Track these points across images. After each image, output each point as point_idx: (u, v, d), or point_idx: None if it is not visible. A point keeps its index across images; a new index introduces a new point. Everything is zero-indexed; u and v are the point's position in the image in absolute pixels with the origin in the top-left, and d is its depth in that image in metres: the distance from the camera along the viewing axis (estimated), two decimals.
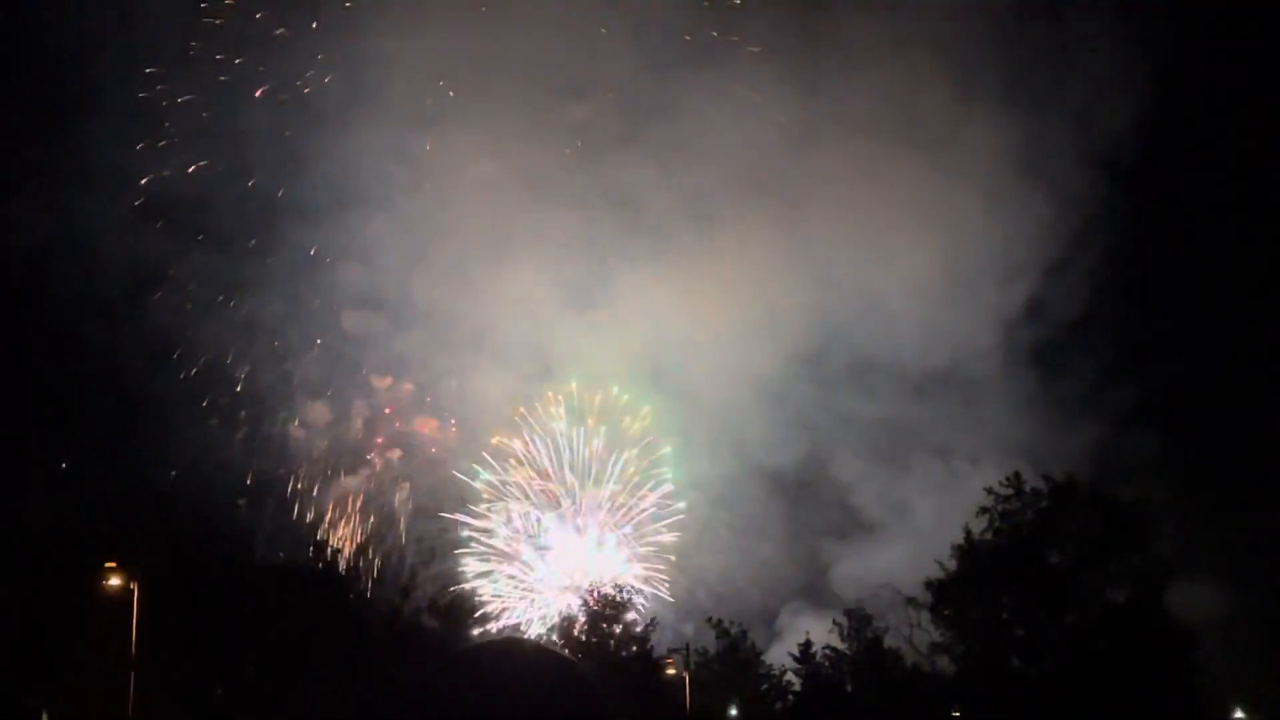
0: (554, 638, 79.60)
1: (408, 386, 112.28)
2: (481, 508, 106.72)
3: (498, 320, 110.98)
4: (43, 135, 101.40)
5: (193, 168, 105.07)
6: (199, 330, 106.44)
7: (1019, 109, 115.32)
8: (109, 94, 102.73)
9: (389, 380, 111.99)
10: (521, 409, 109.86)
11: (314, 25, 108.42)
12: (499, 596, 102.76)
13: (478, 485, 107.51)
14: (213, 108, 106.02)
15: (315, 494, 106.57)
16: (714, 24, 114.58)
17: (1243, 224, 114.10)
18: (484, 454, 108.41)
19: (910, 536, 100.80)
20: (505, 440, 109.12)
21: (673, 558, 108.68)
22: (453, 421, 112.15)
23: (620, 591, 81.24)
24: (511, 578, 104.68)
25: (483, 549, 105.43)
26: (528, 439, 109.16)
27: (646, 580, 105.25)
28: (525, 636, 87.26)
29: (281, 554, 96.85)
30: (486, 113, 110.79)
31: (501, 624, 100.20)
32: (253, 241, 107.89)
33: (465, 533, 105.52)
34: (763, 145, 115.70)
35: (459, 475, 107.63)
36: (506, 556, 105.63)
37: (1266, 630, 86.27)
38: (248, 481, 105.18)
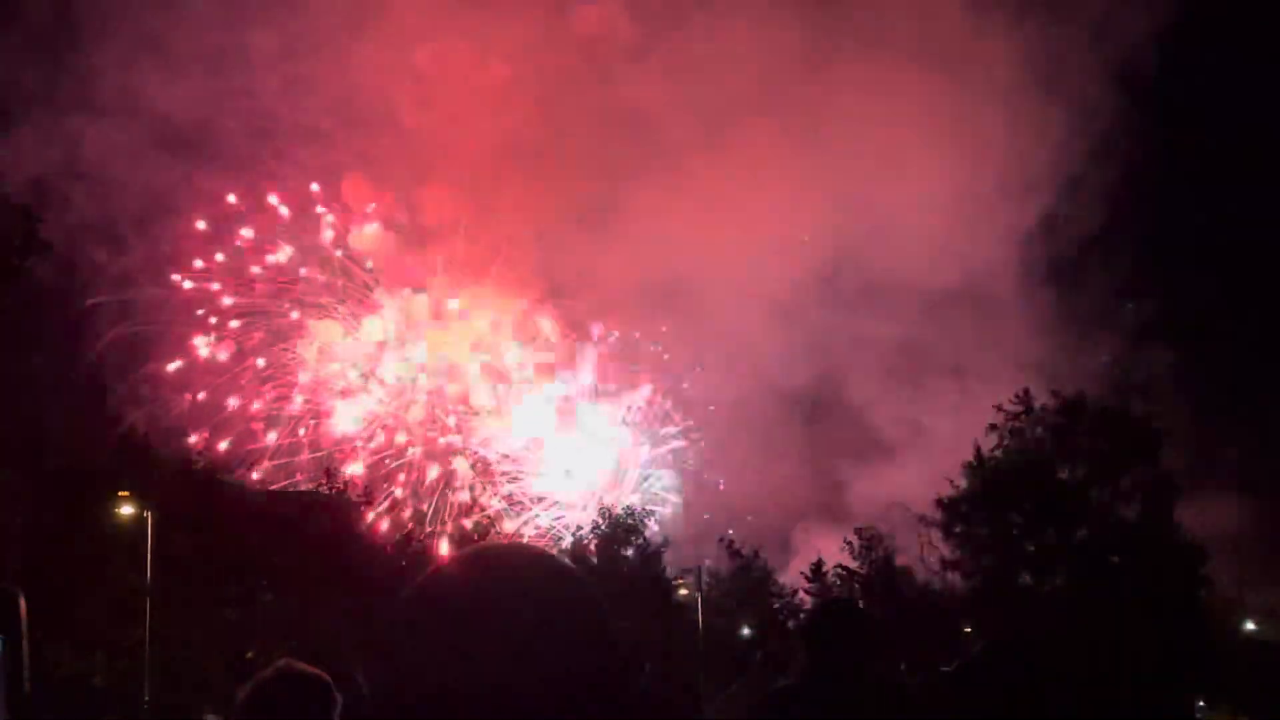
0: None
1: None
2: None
3: (503, 240, 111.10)
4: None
5: None
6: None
7: (1034, 20, 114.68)
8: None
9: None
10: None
11: None
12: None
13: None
14: None
15: (330, 416, 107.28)
16: None
17: (1263, 138, 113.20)
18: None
19: (926, 455, 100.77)
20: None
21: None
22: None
23: (632, 515, 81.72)
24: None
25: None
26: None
27: (660, 500, 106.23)
28: (531, 544, 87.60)
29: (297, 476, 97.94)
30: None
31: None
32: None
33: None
34: (773, 60, 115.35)
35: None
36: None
37: (1277, 546, 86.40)
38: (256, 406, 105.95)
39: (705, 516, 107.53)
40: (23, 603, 8.32)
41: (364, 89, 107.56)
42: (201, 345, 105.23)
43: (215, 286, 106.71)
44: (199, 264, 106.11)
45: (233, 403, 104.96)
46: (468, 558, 2.89)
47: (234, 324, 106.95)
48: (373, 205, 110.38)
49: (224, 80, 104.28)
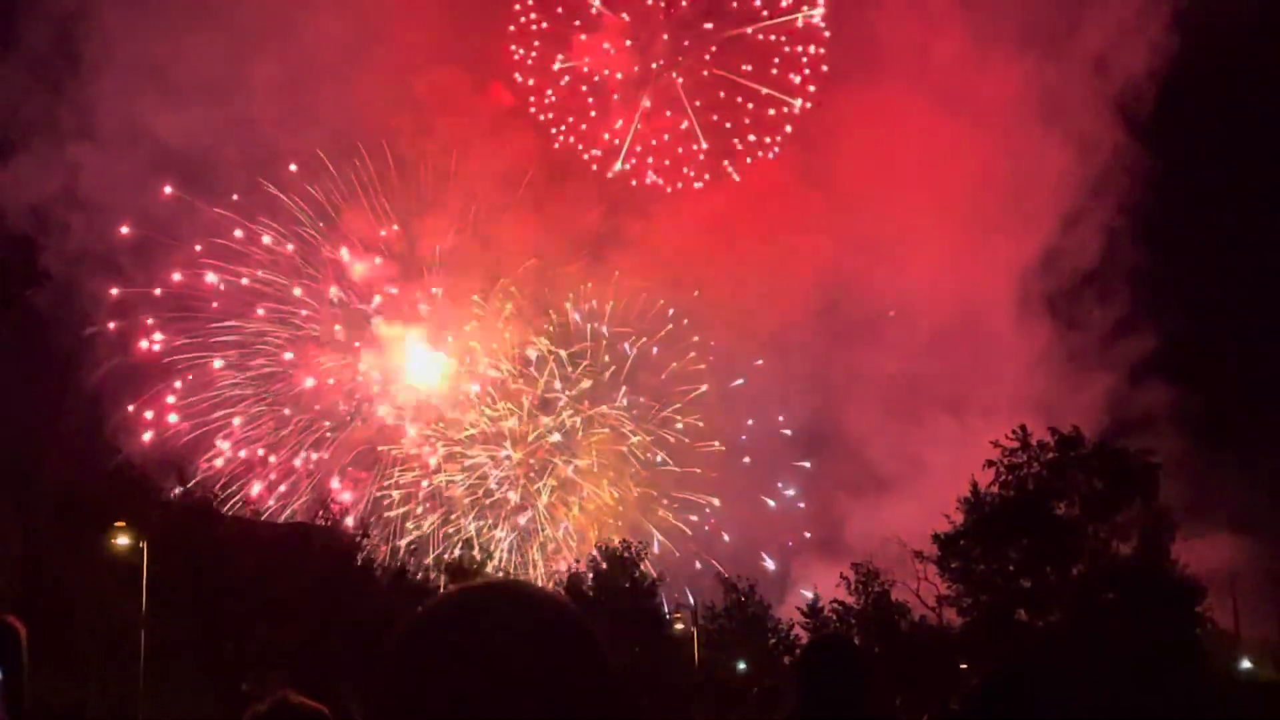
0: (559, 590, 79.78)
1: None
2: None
3: (508, 268, 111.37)
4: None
5: None
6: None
7: (1035, 54, 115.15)
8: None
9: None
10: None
11: None
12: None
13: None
14: None
15: (327, 447, 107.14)
16: None
17: (1262, 175, 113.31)
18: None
19: (923, 490, 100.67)
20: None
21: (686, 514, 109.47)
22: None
23: (628, 549, 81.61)
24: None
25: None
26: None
27: (658, 531, 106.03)
28: (527, 580, 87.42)
29: (293, 509, 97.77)
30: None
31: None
32: None
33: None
34: (775, 89, 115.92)
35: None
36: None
37: (1275, 582, 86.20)
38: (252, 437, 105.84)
39: (701, 551, 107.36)
40: (23, 634, 8.33)
41: (364, 119, 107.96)
42: (198, 376, 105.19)
43: (213, 303, 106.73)
44: (201, 285, 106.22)
45: (229, 434, 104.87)
46: (464, 593, 2.90)
47: (232, 354, 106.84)
48: (380, 233, 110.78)
49: (224, 109, 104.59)
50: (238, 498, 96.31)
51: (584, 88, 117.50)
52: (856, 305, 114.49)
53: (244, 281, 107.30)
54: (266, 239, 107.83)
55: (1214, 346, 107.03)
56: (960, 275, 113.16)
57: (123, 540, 59.39)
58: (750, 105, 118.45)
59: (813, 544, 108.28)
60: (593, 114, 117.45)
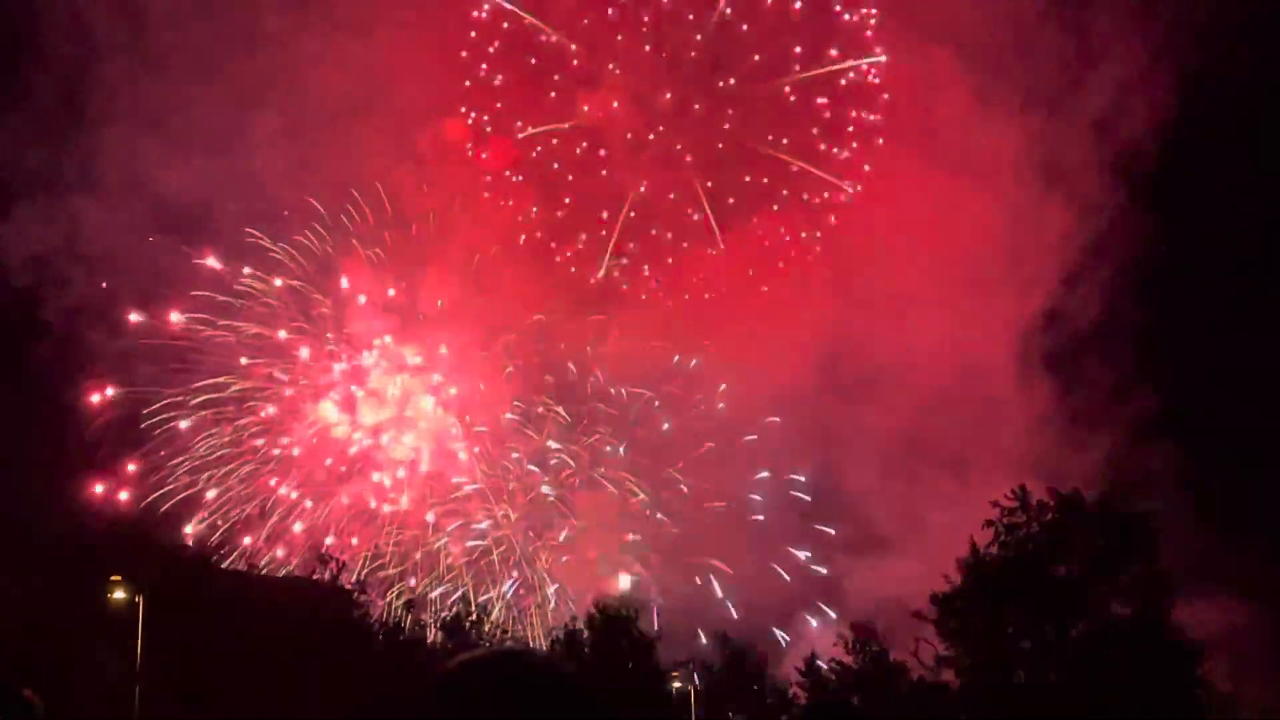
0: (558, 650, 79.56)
1: None
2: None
3: (509, 322, 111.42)
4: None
5: None
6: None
7: (1037, 115, 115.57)
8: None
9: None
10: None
11: None
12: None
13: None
14: None
15: (323, 502, 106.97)
16: (729, 40, 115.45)
17: (1263, 235, 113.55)
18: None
19: (923, 550, 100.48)
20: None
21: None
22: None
23: (626, 607, 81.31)
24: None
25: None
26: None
27: (654, 590, 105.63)
28: (526, 649, 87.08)
29: (291, 564, 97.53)
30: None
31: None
32: None
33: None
34: (764, 144, 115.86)
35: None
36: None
37: (1275, 645, 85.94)
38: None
39: (699, 609, 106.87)
40: (41, 708, 8.29)
41: (364, 171, 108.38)
42: (198, 427, 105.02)
43: (211, 355, 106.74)
44: (198, 337, 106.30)
45: (226, 488, 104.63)
46: (471, 662, 2.92)
47: (228, 407, 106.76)
48: (390, 288, 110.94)
49: (225, 162, 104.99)
50: (235, 553, 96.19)
51: (579, 149, 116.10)
52: (857, 364, 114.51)
53: (241, 333, 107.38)
54: (263, 289, 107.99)
55: (1215, 407, 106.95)
56: (961, 334, 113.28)
57: (120, 594, 59.36)
58: (784, 192, 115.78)
59: (811, 602, 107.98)
60: (603, 171, 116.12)
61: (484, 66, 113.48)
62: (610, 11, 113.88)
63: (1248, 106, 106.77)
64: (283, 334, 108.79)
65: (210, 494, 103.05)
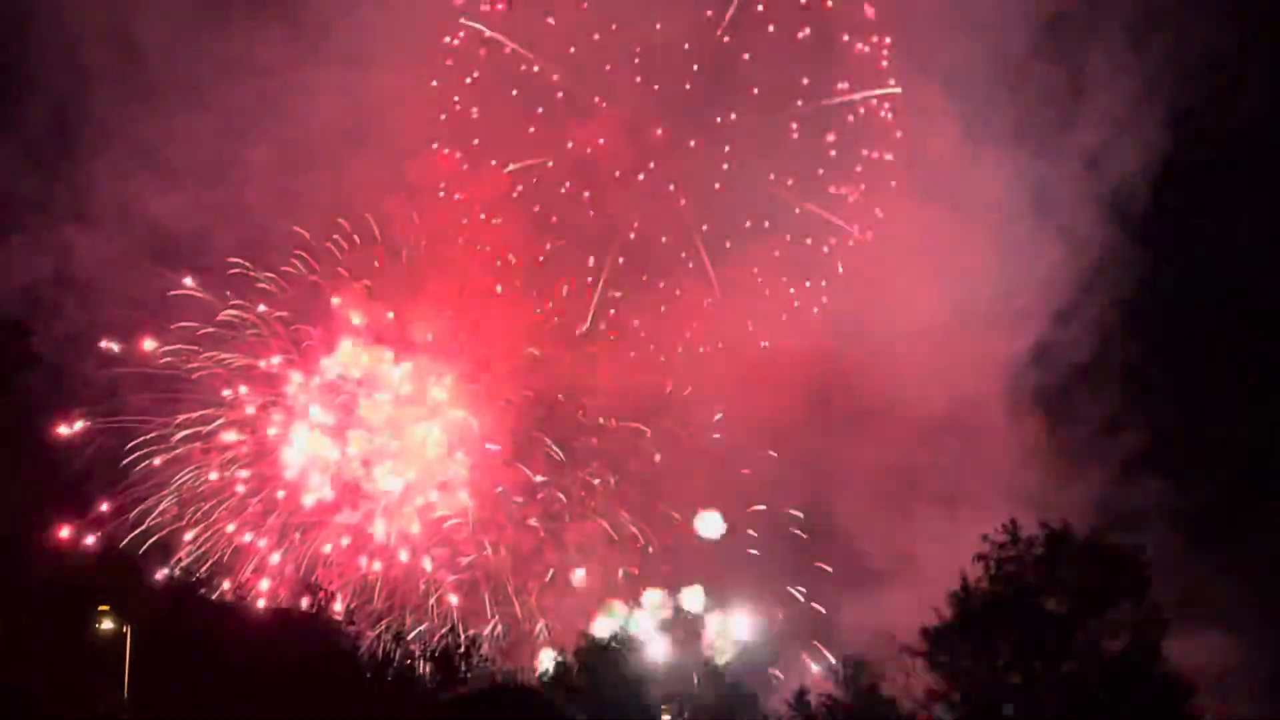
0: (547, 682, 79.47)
1: None
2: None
3: (494, 352, 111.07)
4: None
5: None
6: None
7: (1027, 151, 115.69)
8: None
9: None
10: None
11: None
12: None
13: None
14: None
15: (313, 530, 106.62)
16: (722, 68, 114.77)
17: (1252, 272, 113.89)
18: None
19: (915, 584, 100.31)
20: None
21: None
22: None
23: (614, 640, 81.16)
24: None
25: None
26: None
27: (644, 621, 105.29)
28: (516, 685, 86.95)
29: (278, 596, 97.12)
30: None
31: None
32: None
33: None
34: (765, 183, 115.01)
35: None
36: None
37: (1266, 681, 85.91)
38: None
39: (690, 642, 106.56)
40: None
41: (355, 201, 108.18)
42: (182, 458, 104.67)
43: (200, 384, 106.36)
44: (187, 366, 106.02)
45: (215, 517, 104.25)
46: (464, 700, 2.93)
47: (216, 437, 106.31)
48: (380, 320, 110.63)
49: (216, 192, 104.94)
50: (223, 583, 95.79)
51: (563, 188, 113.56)
52: (848, 398, 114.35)
53: (230, 363, 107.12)
54: (252, 319, 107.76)
55: (1205, 443, 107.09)
56: (952, 369, 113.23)
57: (107, 625, 59.16)
58: (787, 237, 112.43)
59: (802, 637, 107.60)
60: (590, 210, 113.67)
61: (456, 99, 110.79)
62: (596, 38, 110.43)
63: (1239, 143, 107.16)
64: (273, 361, 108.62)
65: (196, 527, 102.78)
